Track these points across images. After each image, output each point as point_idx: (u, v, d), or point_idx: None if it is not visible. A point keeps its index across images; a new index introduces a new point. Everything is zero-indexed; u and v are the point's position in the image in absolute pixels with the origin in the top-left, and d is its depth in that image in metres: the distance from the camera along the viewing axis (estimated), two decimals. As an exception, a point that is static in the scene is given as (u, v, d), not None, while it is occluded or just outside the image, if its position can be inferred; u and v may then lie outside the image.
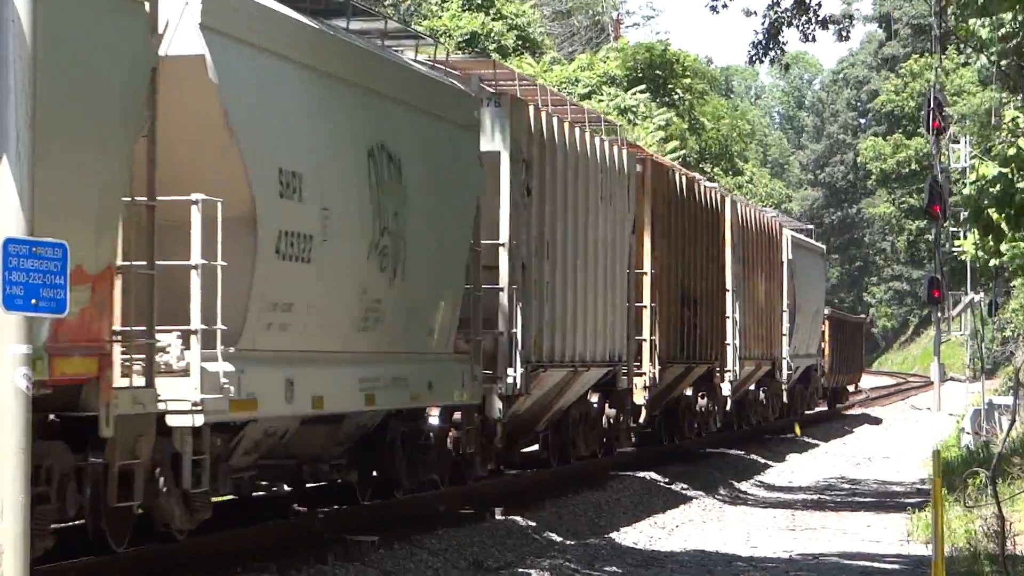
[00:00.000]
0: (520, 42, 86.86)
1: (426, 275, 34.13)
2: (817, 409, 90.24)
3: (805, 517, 43.71)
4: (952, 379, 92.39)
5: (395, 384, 32.93)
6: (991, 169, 18.50)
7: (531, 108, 42.81)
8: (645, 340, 50.66)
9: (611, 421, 50.05)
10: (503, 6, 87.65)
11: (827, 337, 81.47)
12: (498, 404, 38.92)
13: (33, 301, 11.63)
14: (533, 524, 35.49)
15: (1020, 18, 18.92)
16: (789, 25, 46.33)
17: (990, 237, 19.26)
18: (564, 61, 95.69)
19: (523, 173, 40.91)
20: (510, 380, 38.85)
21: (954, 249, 70.12)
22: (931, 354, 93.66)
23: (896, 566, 32.87)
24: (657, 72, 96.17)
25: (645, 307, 51.09)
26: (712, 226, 61.10)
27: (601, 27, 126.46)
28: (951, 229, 70.95)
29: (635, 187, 51.17)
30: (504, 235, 39.73)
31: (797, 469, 60.24)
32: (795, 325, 71.21)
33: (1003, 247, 18.96)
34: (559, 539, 34.57)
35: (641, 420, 52.18)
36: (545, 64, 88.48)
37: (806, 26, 46.34)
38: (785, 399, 74.54)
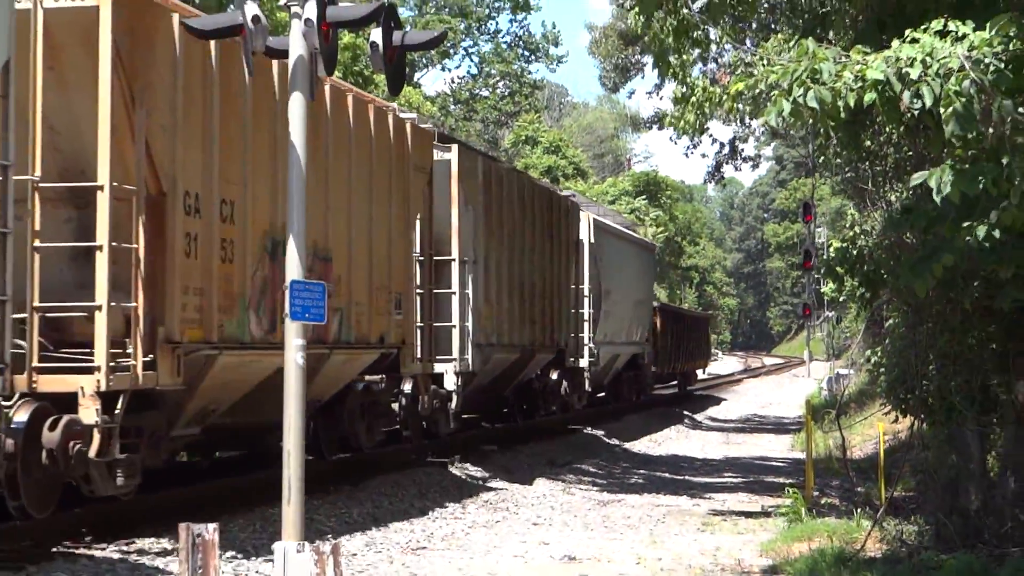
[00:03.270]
0: (575, 171, 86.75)
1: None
2: (662, 392, 61.29)
3: (734, 437, 43.43)
4: (816, 360, 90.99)
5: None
6: (838, 244, 18.84)
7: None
8: (99, 308, 14.68)
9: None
10: (566, 151, 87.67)
11: (659, 327, 53.75)
12: None
13: (307, 315, 11.61)
14: (582, 440, 35.34)
15: (854, 155, 19.02)
16: (726, 163, 50.06)
17: (836, 282, 19.55)
18: (600, 181, 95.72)
19: None
20: None
21: (818, 288, 70.15)
22: (804, 345, 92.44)
23: (785, 464, 32.66)
24: (651, 187, 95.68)
25: (131, 248, 15.11)
26: (397, 164, 23.60)
27: (620, 162, 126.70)
28: (815, 276, 70.29)
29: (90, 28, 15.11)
30: None
31: (731, 409, 59.55)
32: (604, 312, 39.84)
33: (843, 288, 19.06)
34: (597, 447, 34.44)
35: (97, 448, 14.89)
36: (589, 184, 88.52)
37: (736, 163, 51.44)
38: (587, 387, 38.89)
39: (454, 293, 26.34)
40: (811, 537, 18.22)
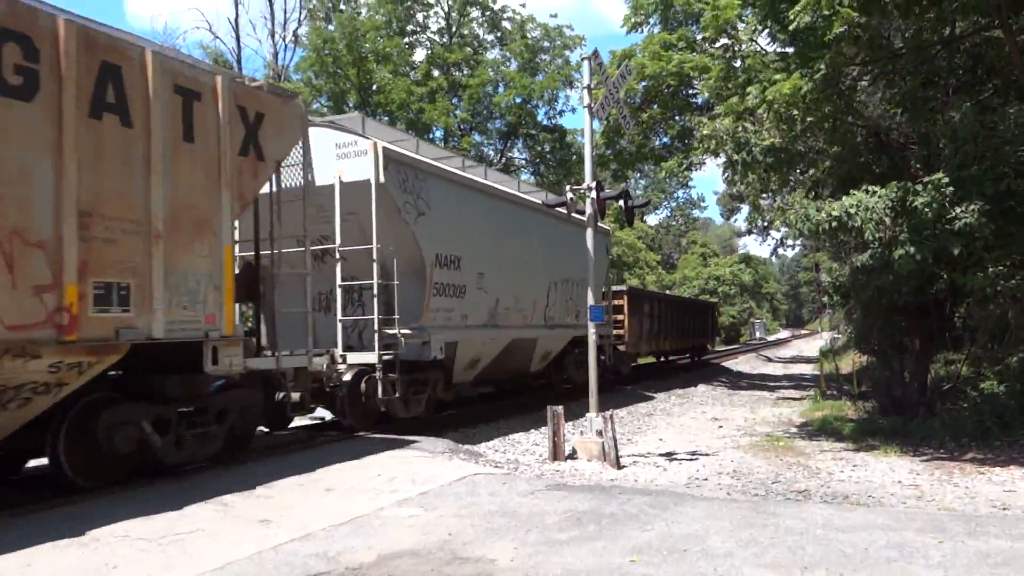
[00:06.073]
0: (713, 253, 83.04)
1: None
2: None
3: (789, 365, 40.83)
4: (824, 331, 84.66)
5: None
6: (830, 280, 17.88)
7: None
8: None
9: None
10: (710, 246, 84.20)
11: (627, 310, 20.86)
12: None
13: (597, 318, 11.17)
14: (676, 380, 33.71)
15: (835, 241, 17.82)
16: (781, 247, 46.77)
17: (830, 297, 18.48)
18: (724, 258, 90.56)
19: None
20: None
21: (822, 299, 65.18)
22: (818, 324, 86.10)
23: (811, 376, 30.38)
24: (746, 259, 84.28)
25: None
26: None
27: (734, 249, 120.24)
28: (821, 295, 65.56)
29: None
30: None
31: (785, 353, 56.14)
32: (458, 287, 10.25)
33: (834, 299, 17.93)
34: (697, 380, 32.85)
35: None
36: (720, 259, 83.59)
37: (784, 248, 48.16)
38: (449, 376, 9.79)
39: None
40: (823, 409, 17.06)
